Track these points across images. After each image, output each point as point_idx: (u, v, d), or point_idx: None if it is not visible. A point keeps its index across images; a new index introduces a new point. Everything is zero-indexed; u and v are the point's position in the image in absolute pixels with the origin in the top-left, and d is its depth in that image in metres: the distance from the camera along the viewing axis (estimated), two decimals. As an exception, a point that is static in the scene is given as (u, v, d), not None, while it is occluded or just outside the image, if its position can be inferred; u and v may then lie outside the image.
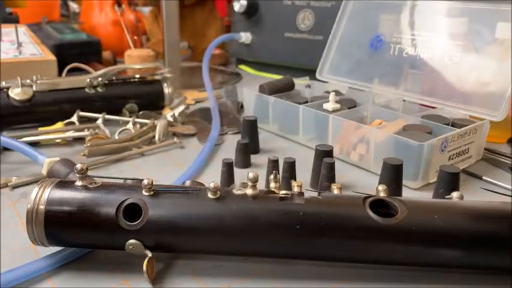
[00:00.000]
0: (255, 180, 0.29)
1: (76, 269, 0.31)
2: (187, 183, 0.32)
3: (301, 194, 0.30)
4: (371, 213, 0.28)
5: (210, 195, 0.29)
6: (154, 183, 0.29)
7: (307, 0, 0.80)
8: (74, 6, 1.41)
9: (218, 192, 0.29)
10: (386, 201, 0.29)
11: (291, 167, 0.41)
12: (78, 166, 0.30)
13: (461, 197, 0.30)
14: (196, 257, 0.32)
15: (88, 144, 0.49)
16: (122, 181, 0.31)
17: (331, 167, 0.40)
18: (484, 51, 0.52)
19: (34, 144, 0.50)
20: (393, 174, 0.39)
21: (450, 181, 0.38)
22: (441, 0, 0.57)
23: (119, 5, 1.06)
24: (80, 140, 0.53)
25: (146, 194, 0.29)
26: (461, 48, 0.54)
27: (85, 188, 0.29)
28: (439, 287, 0.30)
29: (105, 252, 0.32)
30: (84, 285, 0.29)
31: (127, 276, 0.30)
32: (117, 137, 0.53)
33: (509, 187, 0.43)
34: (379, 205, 0.29)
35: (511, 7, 0.51)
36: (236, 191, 0.29)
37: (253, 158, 0.49)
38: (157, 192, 0.29)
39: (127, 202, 0.29)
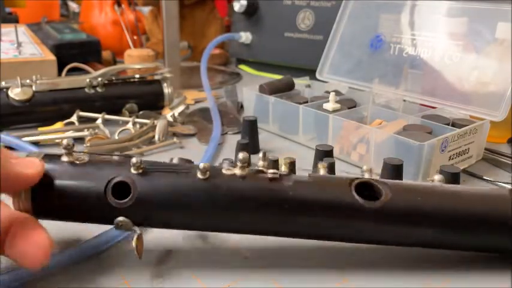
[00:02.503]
0: (244, 161, 0.29)
1: (76, 269, 0.31)
2: (175, 160, 0.31)
3: (289, 174, 0.30)
4: (356, 196, 0.29)
5: (199, 175, 0.29)
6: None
7: (307, 0, 0.80)
8: (73, 6, 1.41)
9: (208, 172, 0.29)
10: (371, 183, 0.30)
11: (291, 167, 0.41)
12: (65, 142, 0.29)
13: (443, 181, 0.31)
14: (197, 257, 0.32)
15: (88, 144, 0.49)
16: (109, 157, 0.30)
17: (331, 167, 0.40)
18: (484, 51, 0.52)
19: (34, 144, 0.50)
20: (393, 174, 0.39)
21: (450, 181, 0.38)
22: (441, 0, 0.57)
23: (119, 5, 1.06)
24: (79, 140, 0.53)
25: (135, 172, 0.28)
26: (461, 48, 0.54)
27: (72, 164, 0.29)
28: (440, 287, 0.30)
29: (105, 252, 0.32)
30: (84, 285, 0.29)
31: (127, 276, 0.30)
32: (116, 137, 0.53)
33: (510, 187, 0.43)
34: (365, 187, 0.30)
35: (511, 7, 0.51)
36: (225, 171, 0.29)
37: (253, 158, 0.49)
38: (146, 170, 0.29)
39: (115, 180, 0.28)
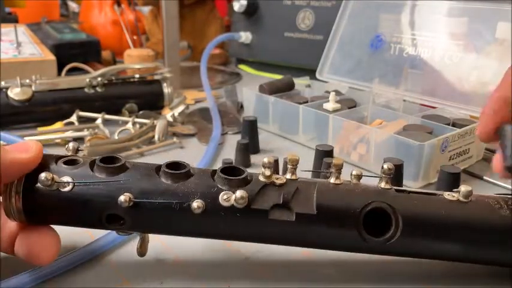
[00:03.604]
0: (243, 201, 0.27)
1: (76, 269, 0.30)
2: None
3: (293, 197, 0.28)
4: (363, 232, 0.28)
5: (194, 210, 0.27)
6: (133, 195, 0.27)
7: (307, 0, 0.80)
8: (73, 6, 1.41)
9: (203, 206, 0.27)
10: (385, 211, 0.28)
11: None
12: (42, 176, 0.26)
13: (467, 196, 0.28)
14: (197, 257, 0.32)
15: (87, 144, 0.49)
16: (97, 185, 0.28)
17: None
18: (484, 51, 0.52)
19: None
20: (394, 174, 0.39)
21: (451, 181, 0.38)
22: (441, 0, 0.57)
23: (119, 5, 1.06)
24: (79, 140, 0.53)
25: (125, 206, 0.27)
26: (461, 48, 0.54)
27: (58, 192, 0.27)
28: (438, 287, 0.30)
29: (104, 252, 0.32)
30: (84, 285, 0.29)
31: (127, 276, 0.30)
32: (116, 137, 0.53)
33: (510, 187, 0.43)
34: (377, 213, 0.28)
35: (511, 7, 0.51)
36: (223, 202, 0.27)
37: (253, 158, 0.49)
38: (136, 203, 0.27)
39: (107, 212, 0.28)
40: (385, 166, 0.29)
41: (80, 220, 0.29)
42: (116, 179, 0.28)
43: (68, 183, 0.27)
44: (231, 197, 0.27)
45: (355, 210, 0.28)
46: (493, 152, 0.50)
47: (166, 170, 0.28)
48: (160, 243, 0.33)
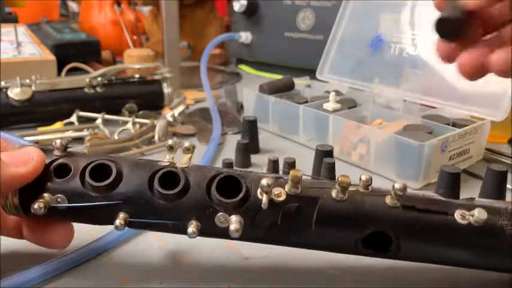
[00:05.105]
0: (238, 233, 0.26)
1: (76, 270, 0.30)
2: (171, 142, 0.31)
3: (296, 211, 0.27)
4: (362, 250, 0.28)
5: (189, 234, 0.26)
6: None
7: (307, 0, 0.80)
8: (73, 6, 1.41)
9: (198, 230, 0.27)
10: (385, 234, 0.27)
11: (291, 167, 0.41)
12: (35, 206, 0.26)
13: (479, 222, 0.26)
14: (196, 257, 0.32)
15: (87, 144, 0.49)
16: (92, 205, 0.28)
17: (332, 168, 0.40)
18: (484, 51, 0.52)
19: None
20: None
21: (451, 181, 0.38)
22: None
23: (119, 5, 1.06)
24: (79, 140, 0.53)
25: (121, 229, 0.27)
26: (461, 48, 0.54)
27: (54, 208, 0.27)
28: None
29: (104, 252, 0.32)
30: (83, 285, 0.29)
31: (126, 276, 0.30)
32: (116, 137, 0.53)
33: (510, 187, 0.43)
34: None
35: (512, 7, 0.51)
36: (219, 223, 0.26)
37: (253, 158, 0.49)
38: (133, 223, 0.27)
39: (105, 224, 0.28)
40: (396, 186, 0.26)
41: (79, 222, 0.29)
42: (108, 200, 0.27)
43: (62, 206, 0.27)
44: (227, 219, 0.26)
45: (356, 234, 0.27)
46: (493, 152, 0.50)
47: (160, 190, 0.27)
48: (160, 244, 0.33)
